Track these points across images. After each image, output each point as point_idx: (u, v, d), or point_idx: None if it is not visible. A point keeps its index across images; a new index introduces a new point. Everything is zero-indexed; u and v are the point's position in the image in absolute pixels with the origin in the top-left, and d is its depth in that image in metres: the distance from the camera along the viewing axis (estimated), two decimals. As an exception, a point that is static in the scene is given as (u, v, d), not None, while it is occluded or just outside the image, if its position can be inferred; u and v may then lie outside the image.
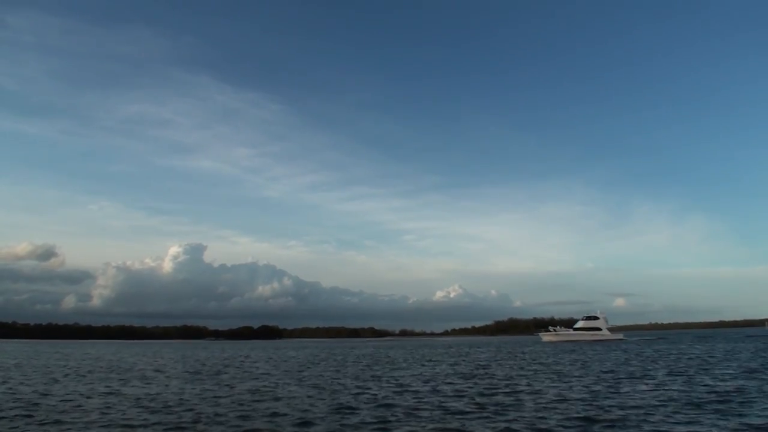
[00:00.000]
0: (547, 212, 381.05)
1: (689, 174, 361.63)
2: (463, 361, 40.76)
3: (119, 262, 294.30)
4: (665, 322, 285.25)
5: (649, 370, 28.24)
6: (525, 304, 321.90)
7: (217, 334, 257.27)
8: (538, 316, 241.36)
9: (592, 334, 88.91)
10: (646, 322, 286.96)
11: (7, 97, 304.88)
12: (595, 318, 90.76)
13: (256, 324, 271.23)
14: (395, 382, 23.98)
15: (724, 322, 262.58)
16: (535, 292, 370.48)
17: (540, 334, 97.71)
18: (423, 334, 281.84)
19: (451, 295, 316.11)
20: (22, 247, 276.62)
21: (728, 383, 20.86)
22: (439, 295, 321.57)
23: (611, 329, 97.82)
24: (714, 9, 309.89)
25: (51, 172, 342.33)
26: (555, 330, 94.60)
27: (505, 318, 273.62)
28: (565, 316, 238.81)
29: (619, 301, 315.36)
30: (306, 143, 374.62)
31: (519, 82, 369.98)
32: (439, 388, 21.21)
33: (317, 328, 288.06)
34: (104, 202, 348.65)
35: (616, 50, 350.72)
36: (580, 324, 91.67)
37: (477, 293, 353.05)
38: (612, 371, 27.75)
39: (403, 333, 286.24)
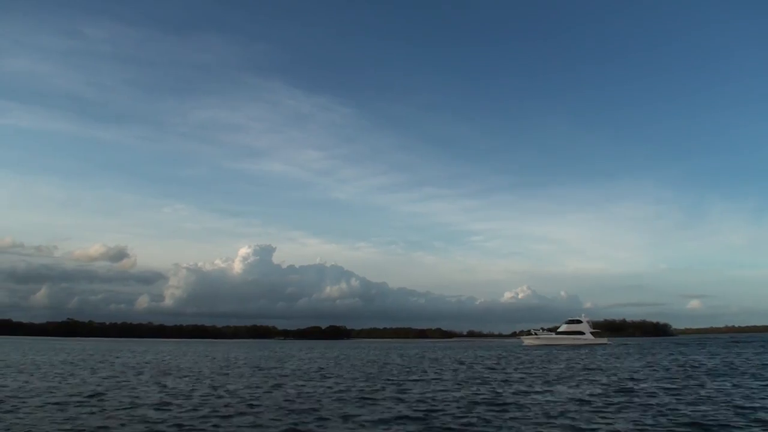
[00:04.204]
0: (619, 212, 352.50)
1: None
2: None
3: (191, 263, 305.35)
4: (742, 325, 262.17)
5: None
6: (596, 306, 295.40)
7: (286, 334, 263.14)
8: (609, 317, 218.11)
9: (575, 338, 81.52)
10: (722, 325, 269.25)
11: (86, 105, 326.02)
12: (578, 322, 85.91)
13: (324, 324, 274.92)
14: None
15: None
16: (606, 294, 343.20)
17: (522, 337, 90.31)
18: (491, 335, 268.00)
19: (520, 296, 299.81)
20: (95, 249, 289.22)
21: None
22: (508, 296, 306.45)
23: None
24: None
25: (127, 176, 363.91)
26: (537, 333, 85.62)
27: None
28: (637, 318, 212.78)
29: (694, 303, 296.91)
30: (375, 145, 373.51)
31: (589, 80, 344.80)
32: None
33: (384, 328, 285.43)
34: (178, 204, 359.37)
35: (689, 47, 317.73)
36: (563, 328, 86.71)
37: (546, 294, 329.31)
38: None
39: (471, 334, 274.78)
